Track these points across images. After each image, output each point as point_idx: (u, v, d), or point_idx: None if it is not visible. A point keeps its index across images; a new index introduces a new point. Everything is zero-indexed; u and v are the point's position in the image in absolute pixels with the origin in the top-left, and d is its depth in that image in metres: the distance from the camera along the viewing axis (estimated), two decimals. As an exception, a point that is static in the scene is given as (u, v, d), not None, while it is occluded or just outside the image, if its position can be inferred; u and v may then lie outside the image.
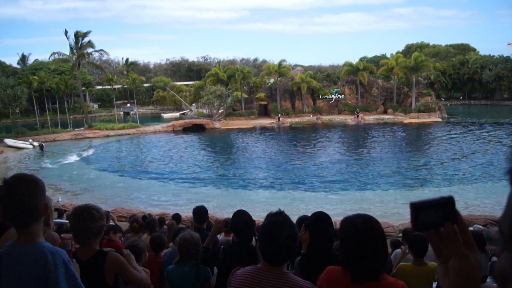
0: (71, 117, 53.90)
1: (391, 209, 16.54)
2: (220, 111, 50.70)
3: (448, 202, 0.99)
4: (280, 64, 52.86)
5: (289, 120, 49.16)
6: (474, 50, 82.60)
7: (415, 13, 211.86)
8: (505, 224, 0.76)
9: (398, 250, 6.92)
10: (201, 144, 37.61)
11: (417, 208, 0.97)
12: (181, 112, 64.71)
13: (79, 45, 46.33)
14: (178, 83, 77.79)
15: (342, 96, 52.39)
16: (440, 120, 46.15)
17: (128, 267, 2.95)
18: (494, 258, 7.29)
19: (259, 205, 17.42)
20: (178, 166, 27.29)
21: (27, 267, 2.06)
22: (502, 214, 0.79)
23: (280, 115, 48.75)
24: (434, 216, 0.96)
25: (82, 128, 46.44)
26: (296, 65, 79.43)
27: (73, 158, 31.21)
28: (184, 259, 3.88)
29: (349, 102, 52.06)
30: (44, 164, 29.26)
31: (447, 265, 0.94)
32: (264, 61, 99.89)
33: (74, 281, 2.14)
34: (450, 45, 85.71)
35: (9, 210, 2.09)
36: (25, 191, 2.08)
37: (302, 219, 4.29)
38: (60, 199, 18.25)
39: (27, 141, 37.45)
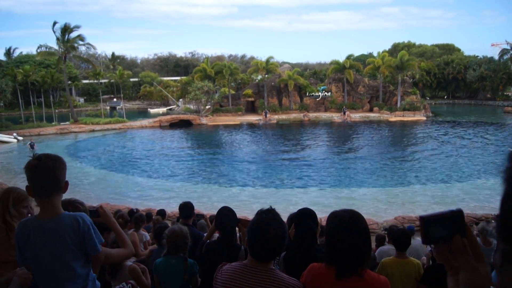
0: (57, 111, 53.25)
1: (376, 206, 16.73)
2: (207, 107, 50.54)
3: (457, 215, 1.01)
4: (267, 61, 52.89)
5: (276, 116, 49.24)
6: (459, 50, 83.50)
7: (401, 12, 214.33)
8: (498, 220, 0.79)
9: (383, 247, 7.02)
10: (187, 140, 37.47)
11: (426, 222, 1.00)
12: (168, 108, 64.40)
13: (66, 38, 45.59)
14: (165, 78, 77.34)
15: (329, 93, 52.63)
16: (424, 118, 46.67)
17: (111, 252, 2.88)
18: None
19: (246, 202, 17.54)
20: (164, 161, 27.16)
21: (66, 235, 2.37)
22: (498, 210, 0.81)
23: (267, 111, 48.78)
24: (443, 230, 0.99)
25: (67, 123, 45.90)
26: (284, 62, 79.54)
27: (58, 153, 30.84)
28: (171, 251, 3.91)
29: (336, 99, 52.37)
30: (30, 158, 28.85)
31: (457, 278, 0.96)
32: (252, 58, 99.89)
33: (99, 236, 2.51)
34: (436, 45, 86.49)
35: (37, 179, 2.36)
36: (51, 163, 2.37)
37: (292, 217, 4.35)
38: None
39: (11, 134, 36.94)
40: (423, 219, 1.00)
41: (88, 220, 2.44)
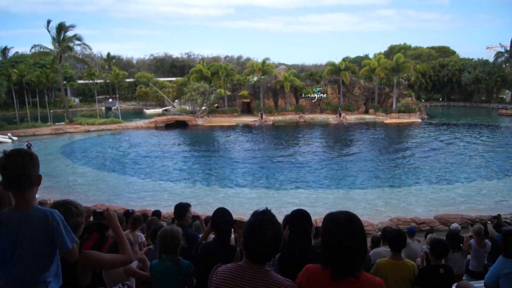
0: (52, 111, 52.99)
1: (371, 207, 16.76)
2: (203, 108, 50.48)
3: None
4: (263, 62, 52.94)
5: (271, 118, 49.30)
6: (454, 53, 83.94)
7: (398, 15, 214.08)
8: None
9: (377, 249, 7.03)
10: (183, 140, 37.41)
11: (508, 235, 0.97)
12: (164, 108, 64.24)
13: (62, 37, 45.32)
14: (161, 79, 77.16)
15: (325, 95, 52.73)
16: (420, 120, 46.80)
17: (104, 257, 2.89)
18: (469, 257, 7.49)
19: (241, 203, 17.54)
20: (159, 162, 27.09)
21: (33, 228, 2.42)
22: None
23: (262, 113, 48.82)
24: None
25: (62, 123, 45.73)
26: (280, 64, 79.74)
27: (53, 153, 30.75)
28: (161, 251, 3.90)
29: (332, 101, 52.48)
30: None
31: None
32: (248, 59, 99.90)
33: (71, 234, 2.51)
34: (432, 48, 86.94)
35: (8, 175, 2.44)
36: (19, 159, 2.45)
37: (287, 218, 4.35)
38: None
39: (6, 135, 36.76)
40: (506, 233, 0.97)
41: (58, 216, 2.47)
